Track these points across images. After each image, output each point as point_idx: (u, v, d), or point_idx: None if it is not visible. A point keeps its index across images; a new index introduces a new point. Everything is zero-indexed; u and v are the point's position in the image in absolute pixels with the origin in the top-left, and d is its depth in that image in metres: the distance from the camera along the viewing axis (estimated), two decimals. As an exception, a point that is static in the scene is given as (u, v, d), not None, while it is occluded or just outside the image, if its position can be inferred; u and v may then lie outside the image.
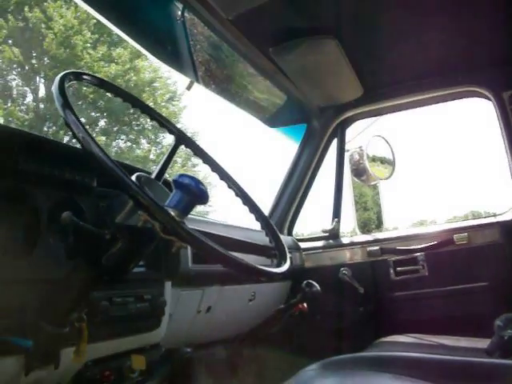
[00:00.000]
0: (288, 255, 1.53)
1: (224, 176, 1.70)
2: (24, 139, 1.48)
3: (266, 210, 3.42)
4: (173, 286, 2.02)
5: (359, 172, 3.56)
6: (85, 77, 1.47)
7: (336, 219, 3.54)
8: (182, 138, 1.71)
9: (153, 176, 1.53)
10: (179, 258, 2.01)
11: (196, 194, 1.22)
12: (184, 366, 1.92)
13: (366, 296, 3.22)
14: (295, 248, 3.34)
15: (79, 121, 1.22)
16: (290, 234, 3.53)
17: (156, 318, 1.90)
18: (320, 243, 3.51)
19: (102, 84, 1.56)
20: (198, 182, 1.22)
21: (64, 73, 1.37)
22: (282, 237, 1.64)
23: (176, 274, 2.00)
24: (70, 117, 1.22)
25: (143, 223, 1.14)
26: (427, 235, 3.22)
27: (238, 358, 2.64)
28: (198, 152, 1.72)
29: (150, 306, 1.82)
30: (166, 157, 1.61)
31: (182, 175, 1.24)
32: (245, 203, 1.66)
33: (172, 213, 1.12)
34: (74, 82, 1.42)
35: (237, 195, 1.68)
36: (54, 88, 1.29)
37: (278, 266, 1.47)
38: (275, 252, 1.48)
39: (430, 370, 1.49)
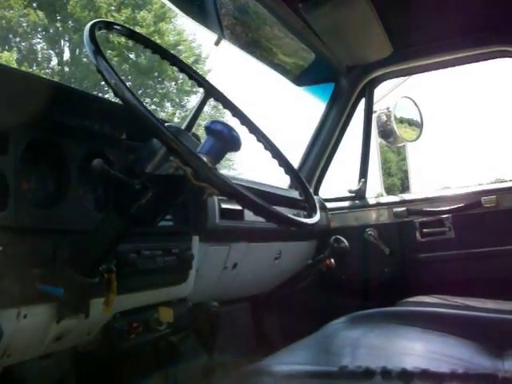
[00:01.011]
0: (318, 207, 1.51)
1: (253, 129, 1.68)
2: (55, 90, 1.48)
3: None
4: (200, 241, 2.03)
5: (386, 134, 3.51)
6: (115, 26, 1.46)
7: (362, 180, 3.51)
8: (211, 91, 1.69)
9: (182, 127, 1.52)
10: (207, 212, 2.02)
11: (228, 140, 1.21)
12: (211, 320, 1.93)
13: (392, 257, 3.20)
14: (321, 208, 3.29)
15: (111, 67, 1.21)
16: (316, 193, 3.51)
17: (183, 271, 1.91)
18: (346, 203, 3.48)
19: (132, 35, 1.55)
20: (230, 129, 1.20)
21: (95, 21, 1.36)
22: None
23: (203, 228, 2.01)
24: (101, 63, 1.21)
25: (175, 170, 1.13)
26: (454, 197, 3.18)
27: (264, 313, 2.66)
28: (227, 105, 1.70)
29: (177, 259, 1.83)
30: (195, 109, 1.59)
31: (214, 121, 1.22)
32: (274, 156, 1.64)
33: (204, 159, 1.11)
34: (105, 30, 1.40)
35: (266, 149, 1.66)
36: (85, 36, 1.28)
37: (309, 217, 1.45)
38: (305, 204, 1.46)
39: (458, 325, 1.48)
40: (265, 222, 2.48)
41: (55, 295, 1.38)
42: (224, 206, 2.19)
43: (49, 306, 1.41)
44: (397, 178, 3.98)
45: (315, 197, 3.30)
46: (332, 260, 2.60)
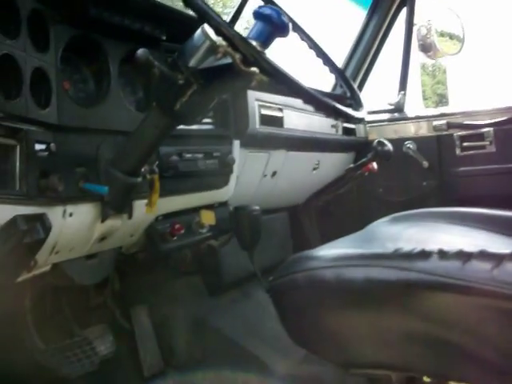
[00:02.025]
0: (363, 103, 1.47)
1: (296, 28, 1.63)
2: None
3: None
4: (240, 146, 2.02)
5: (426, 47, 3.39)
6: None
7: (402, 92, 3.43)
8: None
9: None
10: (247, 117, 1.99)
11: (277, 24, 1.16)
12: (252, 222, 1.94)
13: (430, 171, 3.15)
14: (359, 120, 3.27)
15: None
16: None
17: (225, 175, 1.91)
18: (385, 116, 3.42)
19: None
20: (279, 13, 1.16)
21: None
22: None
23: (244, 133, 1.99)
24: None
25: (222, 56, 1.10)
26: (496, 111, 3.08)
27: (302, 222, 2.67)
28: (270, 2, 1.64)
29: (218, 163, 1.83)
30: (238, 5, 1.54)
31: (263, 6, 1.18)
32: (318, 55, 1.59)
33: (253, 43, 1.07)
34: None
35: (310, 47, 1.61)
36: None
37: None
38: (351, 101, 1.43)
39: (503, 225, 1.45)
40: (304, 130, 2.49)
41: (99, 194, 1.38)
42: (264, 112, 2.17)
43: (93, 205, 1.42)
44: (431, 102, 3.89)
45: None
46: (374, 164, 2.56)
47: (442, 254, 0.99)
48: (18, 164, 1.19)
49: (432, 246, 1.02)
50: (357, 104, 1.43)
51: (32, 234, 1.17)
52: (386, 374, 1.10)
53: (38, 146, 1.23)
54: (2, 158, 1.16)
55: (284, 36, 1.19)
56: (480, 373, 0.96)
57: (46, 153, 1.25)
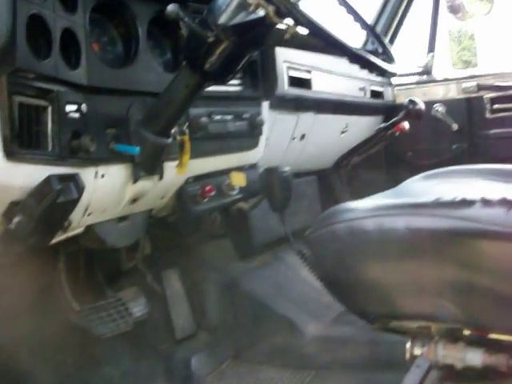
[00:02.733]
0: (395, 58, 1.45)
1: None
2: None
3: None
4: (269, 108, 2.01)
5: (455, 8, 3.32)
6: None
7: (430, 54, 3.38)
8: None
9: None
10: (276, 78, 1.98)
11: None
12: (282, 184, 1.94)
13: (460, 133, 3.11)
14: (387, 83, 3.23)
15: None
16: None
17: (254, 137, 1.90)
18: (413, 78, 3.37)
19: None
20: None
21: None
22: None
23: (273, 94, 1.98)
24: None
25: (254, 9, 1.08)
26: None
27: (331, 184, 2.66)
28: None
29: (248, 124, 1.83)
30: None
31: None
32: (349, 12, 1.57)
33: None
34: None
35: (340, 4, 1.59)
36: None
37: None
38: (383, 57, 1.40)
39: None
40: (332, 93, 2.46)
41: (131, 155, 1.39)
42: (292, 73, 2.15)
43: (125, 166, 1.43)
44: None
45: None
46: (406, 124, 2.52)
47: (485, 202, 0.97)
48: (49, 125, 1.20)
49: (473, 195, 1.00)
50: (389, 59, 1.40)
51: (65, 194, 1.18)
52: (425, 326, 1.10)
53: (69, 107, 1.23)
54: (35, 119, 1.16)
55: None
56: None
57: (77, 114, 1.26)
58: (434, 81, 3.30)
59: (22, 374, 1.63)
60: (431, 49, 3.39)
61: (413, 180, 1.43)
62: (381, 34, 1.56)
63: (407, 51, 3.79)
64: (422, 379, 1.28)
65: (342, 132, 2.78)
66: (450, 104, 3.14)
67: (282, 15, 1.02)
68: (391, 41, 3.37)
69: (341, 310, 2.12)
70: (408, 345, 1.13)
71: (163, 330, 2.06)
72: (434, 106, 3.14)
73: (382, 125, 2.64)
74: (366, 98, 2.89)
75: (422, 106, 2.51)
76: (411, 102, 2.50)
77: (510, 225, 0.92)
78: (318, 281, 1.86)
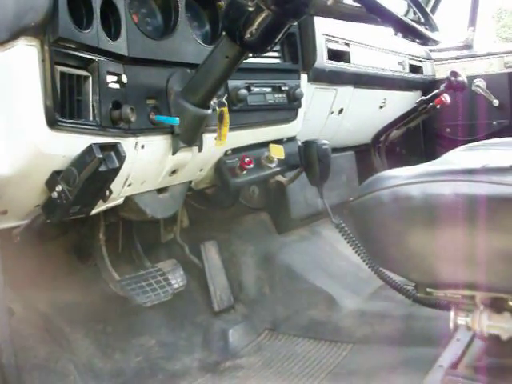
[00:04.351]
0: (438, 27, 1.42)
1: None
2: None
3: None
4: (308, 81, 1.99)
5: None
6: None
7: (471, 28, 3.30)
8: None
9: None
10: (315, 51, 1.96)
11: None
12: (321, 157, 1.92)
13: (501, 109, 3.04)
14: (427, 58, 3.18)
15: None
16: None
17: (293, 109, 1.90)
18: (453, 53, 3.31)
19: None
20: None
21: None
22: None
23: (312, 66, 1.96)
24: None
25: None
26: None
27: (370, 159, 2.63)
28: None
29: (287, 97, 1.82)
30: None
31: None
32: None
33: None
34: None
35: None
36: None
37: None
38: (426, 27, 1.37)
39: None
40: (370, 67, 2.43)
41: (170, 126, 1.39)
42: (331, 46, 2.13)
43: (164, 137, 1.43)
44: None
45: (420, 46, 3.18)
46: (447, 96, 2.46)
47: None
48: (90, 95, 1.21)
49: None
50: (432, 28, 1.38)
51: (107, 163, 1.19)
52: (470, 295, 1.08)
53: (109, 78, 1.24)
54: (76, 89, 1.17)
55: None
56: None
57: (118, 84, 1.27)
58: (475, 55, 3.22)
59: (64, 341, 1.67)
60: (472, 23, 3.32)
61: (454, 151, 1.40)
62: (422, 3, 1.51)
63: (448, 26, 3.72)
64: (463, 352, 1.27)
65: (380, 106, 2.75)
66: (491, 79, 3.07)
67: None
68: (432, 11, 3.31)
69: (379, 285, 2.11)
70: (452, 314, 1.12)
71: (201, 301, 2.08)
72: (475, 80, 3.08)
73: (423, 97, 2.58)
74: (405, 73, 2.85)
75: (464, 78, 2.45)
76: (453, 73, 2.44)
77: None
78: (357, 255, 1.88)
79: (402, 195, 1.06)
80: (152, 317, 1.91)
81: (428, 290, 1.12)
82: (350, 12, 1.13)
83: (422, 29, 1.21)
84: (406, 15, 2.45)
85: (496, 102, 3.03)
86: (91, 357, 1.69)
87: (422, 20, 1.42)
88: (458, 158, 1.30)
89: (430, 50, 3.28)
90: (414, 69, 2.97)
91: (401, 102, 2.91)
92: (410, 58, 2.91)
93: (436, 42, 1.31)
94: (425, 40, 1.25)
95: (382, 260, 1.22)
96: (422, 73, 3.07)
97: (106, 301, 1.83)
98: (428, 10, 3.15)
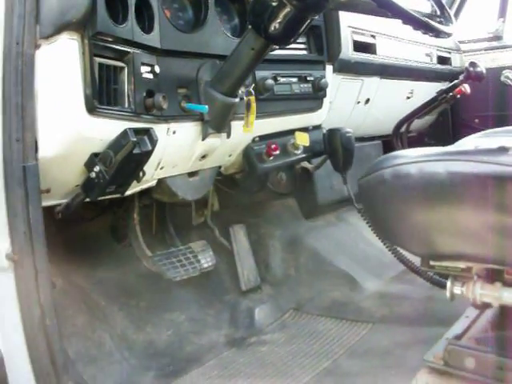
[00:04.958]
0: (454, 19, 1.48)
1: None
2: None
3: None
4: (333, 72, 2.07)
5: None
6: None
7: (501, 19, 3.32)
8: None
9: None
10: (340, 42, 2.04)
11: None
12: (344, 144, 2.00)
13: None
14: (456, 49, 3.21)
15: None
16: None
17: (318, 99, 1.98)
18: (482, 45, 3.33)
19: None
20: None
21: None
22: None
23: (337, 58, 2.04)
24: None
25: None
26: None
27: (396, 142, 2.68)
28: None
29: (312, 87, 1.90)
30: None
31: None
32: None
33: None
34: None
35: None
36: None
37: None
38: (441, 19, 1.44)
39: None
40: (397, 58, 2.48)
41: (200, 113, 1.49)
42: (357, 38, 2.19)
43: (194, 124, 1.53)
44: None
45: (449, 38, 3.22)
46: (467, 87, 2.51)
47: None
48: (126, 84, 1.32)
49: None
50: (446, 20, 1.44)
51: (140, 146, 1.31)
52: (467, 267, 1.17)
53: (143, 68, 1.35)
54: (113, 78, 1.28)
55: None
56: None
57: (151, 74, 1.37)
58: (504, 46, 3.24)
59: (100, 313, 1.79)
60: (502, 14, 3.33)
61: (470, 137, 1.47)
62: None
63: (479, 17, 3.73)
64: (468, 326, 1.36)
65: (408, 97, 2.80)
66: None
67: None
68: (460, 7, 3.34)
69: (401, 269, 2.18)
70: (449, 284, 1.20)
71: (229, 281, 2.18)
72: (504, 71, 3.10)
73: (443, 87, 2.63)
74: (433, 64, 2.89)
75: (482, 68, 2.49)
76: (472, 64, 2.48)
77: None
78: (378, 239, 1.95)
79: (401, 174, 1.15)
80: (183, 294, 2.02)
81: (431, 263, 1.20)
82: (364, 6, 1.21)
83: (431, 21, 1.28)
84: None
85: (526, 94, 3.05)
86: (125, 328, 1.81)
87: (438, 12, 1.48)
88: (469, 142, 1.37)
89: (460, 42, 3.31)
90: (443, 60, 3.01)
91: (429, 92, 2.93)
92: (438, 50, 2.94)
93: (448, 35, 1.38)
94: (436, 32, 1.32)
95: (388, 235, 1.30)
96: (450, 64, 3.10)
97: (139, 278, 1.95)
98: (453, 10, 3.20)
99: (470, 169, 1.05)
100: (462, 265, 1.17)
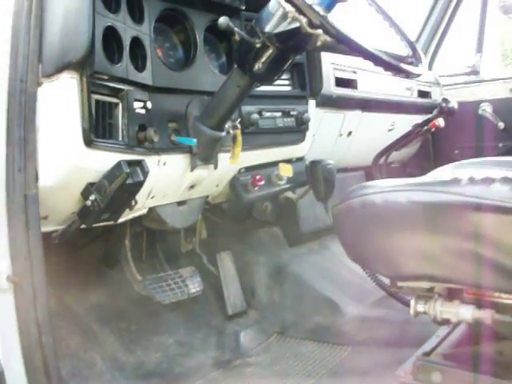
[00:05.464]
0: (424, 60, 1.59)
1: (372, 2, 1.74)
2: None
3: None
4: (316, 106, 2.18)
5: (507, 9, 3.41)
6: None
7: (478, 54, 3.47)
8: None
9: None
10: (322, 78, 2.14)
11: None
12: (326, 175, 2.10)
13: (506, 132, 3.20)
14: (435, 83, 3.35)
15: None
16: (430, 68, 3.52)
17: (301, 132, 2.08)
18: (461, 79, 3.47)
19: None
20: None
21: None
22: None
23: (319, 93, 2.15)
24: None
25: (291, 21, 1.26)
26: None
27: (376, 174, 2.78)
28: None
29: (295, 121, 2.01)
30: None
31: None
32: (384, 19, 1.71)
33: (317, 8, 1.23)
34: None
35: (377, 11, 1.73)
36: None
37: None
38: (412, 60, 1.55)
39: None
40: (378, 92, 2.60)
41: (189, 146, 1.59)
42: (338, 74, 2.31)
43: (183, 156, 1.63)
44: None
45: (429, 72, 3.35)
46: (441, 120, 2.64)
47: (471, 180, 1.14)
48: (120, 119, 1.42)
49: (467, 176, 1.17)
50: (416, 59, 1.55)
51: (133, 176, 1.40)
52: (429, 286, 1.27)
53: (136, 104, 1.44)
54: (108, 113, 1.38)
55: (344, 1, 1.33)
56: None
57: (143, 110, 1.47)
58: (481, 80, 3.39)
59: (92, 336, 1.87)
60: (479, 49, 3.49)
61: (444, 168, 1.58)
62: (420, 43, 1.69)
63: (457, 53, 3.88)
64: (438, 343, 1.46)
65: (389, 130, 2.92)
66: (497, 103, 3.24)
67: (314, 26, 1.20)
68: (434, 55, 3.50)
69: (381, 295, 2.28)
70: (412, 302, 1.31)
71: (216, 306, 2.27)
72: (481, 105, 3.24)
73: (418, 121, 2.76)
74: (413, 98, 3.02)
75: (454, 104, 2.63)
76: (444, 100, 2.63)
77: (490, 197, 1.09)
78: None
79: (368, 203, 1.26)
80: (171, 318, 2.11)
81: (398, 284, 1.31)
82: (341, 48, 1.32)
83: (401, 64, 1.39)
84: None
85: (502, 125, 3.19)
86: (116, 351, 1.89)
87: (410, 53, 1.59)
88: (440, 172, 1.48)
89: (440, 76, 3.46)
90: (423, 94, 3.15)
91: (410, 124, 3.06)
92: (418, 84, 3.08)
93: (418, 76, 1.49)
94: (406, 74, 1.43)
95: (359, 259, 1.41)
96: (430, 97, 3.24)
97: (130, 302, 2.03)
98: (431, 49, 3.34)
99: (428, 198, 1.17)
100: (425, 285, 1.28)
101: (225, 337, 2.13)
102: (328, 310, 2.28)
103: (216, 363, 1.99)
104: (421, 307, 1.30)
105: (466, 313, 1.25)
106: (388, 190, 1.25)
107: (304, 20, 1.20)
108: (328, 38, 1.23)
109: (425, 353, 1.44)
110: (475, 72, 3.44)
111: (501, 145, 3.20)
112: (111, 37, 1.37)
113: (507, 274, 1.10)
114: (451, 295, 1.27)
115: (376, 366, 1.82)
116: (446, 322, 1.29)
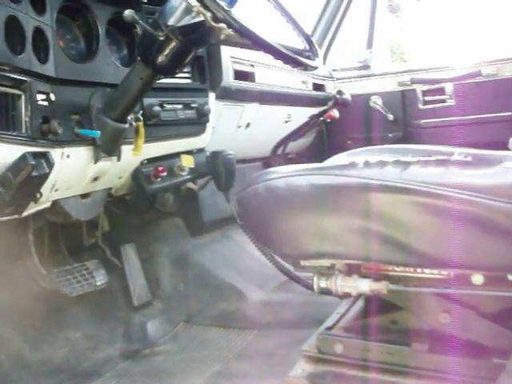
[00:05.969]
0: (320, 54, 1.67)
1: None
2: None
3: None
4: (216, 99, 2.23)
5: (394, 8, 3.59)
6: None
7: (369, 50, 3.65)
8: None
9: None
10: (221, 71, 2.20)
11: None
12: (226, 165, 2.16)
13: (395, 123, 3.40)
14: (329, 77, 3.49)
15: None
16: (324, 62, 3.65)
17: (202, 124, 2.13)
18: (353, 73, 3.64)
19: None
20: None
21: None
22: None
23: (219, 86, 2.20)
24: None
25: (196, 15, 1.30)
26: (456, 67, 3.31)
27: (274, 165, 2.87)
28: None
29: (196, 113, 2.05)
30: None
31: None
32: (282, 15, 1.78)
33: (221, 3, 1.28)
34: None
35: (275, 8, 1.80)
36: None
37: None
38: (309, 53, 1.63)
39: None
40: (275, 85, 2.68)
41: (92, 138, 1.59)
42: (237, 67, 2.37)
43: (87, 148, 1.63)
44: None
45: (323, 66, 3.48)
46: (335, 111, 2.77)
47: (367, 163, 1.25)
48: (23, 111, 1.40)
49: (362, 160, 1.27)
50: (313, 53, 1.63)
51: (38, 169, 1.39)
52: (330, 264, 1.37)
53: (39, 96, 1.43)
54: (11, 105, 1.37)
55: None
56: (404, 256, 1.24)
57: (46, 102, 1.46)
58: (372, 75, 3.57)
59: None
60: (369, 46, 3.67)
61: (338, 156, 1.68)
62: (315, 36, 1.77)
63: (350, 48, 4.04)
64: (338, 318, 1.56)
65: (286, 121, 3.01)
66: (386, 96, 3.43)
67: (217, 20, 1.24)
68: (328, 49, 3.64)
69: (282, 280, 2.36)
70: (315, 279, 1.40)
71: (121, 298, 2.28)
72: (372, 97, 3.42)
73: (314, 113, 2.88)
74: (308, 91, 3.14)
75: (347, 96, 2.77)
76: (338, 92, 2.78)
77: (382, 178, 1.19)
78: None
79: (272, 187, 1.35)
80: (77, 312, 2.09)
81: (301, 263, 1.40)
82: (242, 42, 1.37)
83: (299, 57, 1.46)
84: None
85: (391, 117, 3.40)
86: (20, 349, 1.86)
87: (307, 47, 1.68)
88: (335, 160, 1.58)
89: (333, 70, 3.61)
90: (317, 87, 3.28)
91: (306, 116, 3.18)
92: (313, 77, 3.20)
93: (315, 68, 1.58)
94: (304, 66, 1.51)
95: (264, 241, 1.49)
96: (324, 90, 3.37)
97: (33, 299, 1.99)
98: (325, 44, 3.47)
99: (326, 181, 1.28)
100: (326, 262, 1.38)
101: (132, 328, 2.15)
102: (232, 296, 2.35)
103: (124, 354, 2.00)
104: (323, 283, 1.39)
105: (363, 286, 1.36)
106: (290, 175, 1.33)
107: (208, 14, 1.24)
108: (231, 32, 1.28)
109: (327, 328, 1.54)
110: (366, 67, 3.62)
111: (390, 135, 3.39)
112: (13, 27, 1.34)
113: (398, 247, 1.22)
114: (350, 271, 1.37)
115: (282, 345, 1.91)
116: (346, 295, 1.39)
